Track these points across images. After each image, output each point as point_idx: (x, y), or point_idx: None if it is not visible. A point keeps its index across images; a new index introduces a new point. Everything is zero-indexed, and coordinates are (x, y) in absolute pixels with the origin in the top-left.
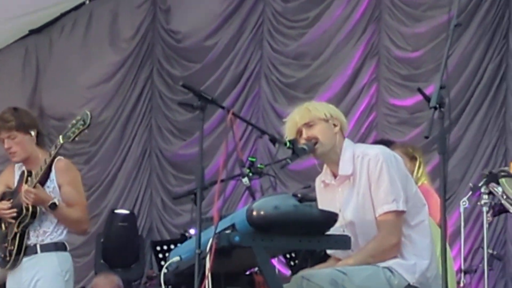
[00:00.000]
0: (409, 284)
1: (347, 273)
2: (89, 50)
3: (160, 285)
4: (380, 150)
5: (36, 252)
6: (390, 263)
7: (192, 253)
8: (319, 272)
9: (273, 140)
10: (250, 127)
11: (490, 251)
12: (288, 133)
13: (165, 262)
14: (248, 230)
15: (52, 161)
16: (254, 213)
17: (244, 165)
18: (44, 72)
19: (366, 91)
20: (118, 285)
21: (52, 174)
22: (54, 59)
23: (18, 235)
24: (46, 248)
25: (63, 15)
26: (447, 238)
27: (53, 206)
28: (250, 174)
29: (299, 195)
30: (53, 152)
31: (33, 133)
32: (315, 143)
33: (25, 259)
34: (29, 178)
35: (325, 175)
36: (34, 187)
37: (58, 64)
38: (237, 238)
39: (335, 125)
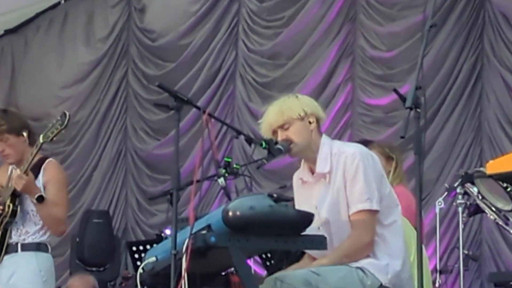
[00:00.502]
0: (381, 284)
1: (320, 274)
2: (64, 49)
3: (136, 285)
4: (357, 148)
5: (16, 251)
6: (362, 263)
7: (168, 254)
8: (293, 273)
9: (249, 141)
10: (225, 127)
11: (466, 252)
12: (264, 134)
13: (141, 262)
14: (224, 231)
15: (43, 161)
16: (230, 213)
17: (220, 165)
18: (19, 72)
19: (341, 91)
20: (93, 286)
21: (40, 175)
22: (30, 59)
23: (0, 233)
24: (27, 247)
25: (38, 15)
26: (423, 239)
27: (40, 199)
28: (226, 175)
29: (274, 195)
30: (34, 151)
31: (25, 134)
32: (290, 143)
33: (6, 257)
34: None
35: (302, 172)
36: (26, 174)
37: (34, 64)
38: (213, 239)
39: (310, 122)
